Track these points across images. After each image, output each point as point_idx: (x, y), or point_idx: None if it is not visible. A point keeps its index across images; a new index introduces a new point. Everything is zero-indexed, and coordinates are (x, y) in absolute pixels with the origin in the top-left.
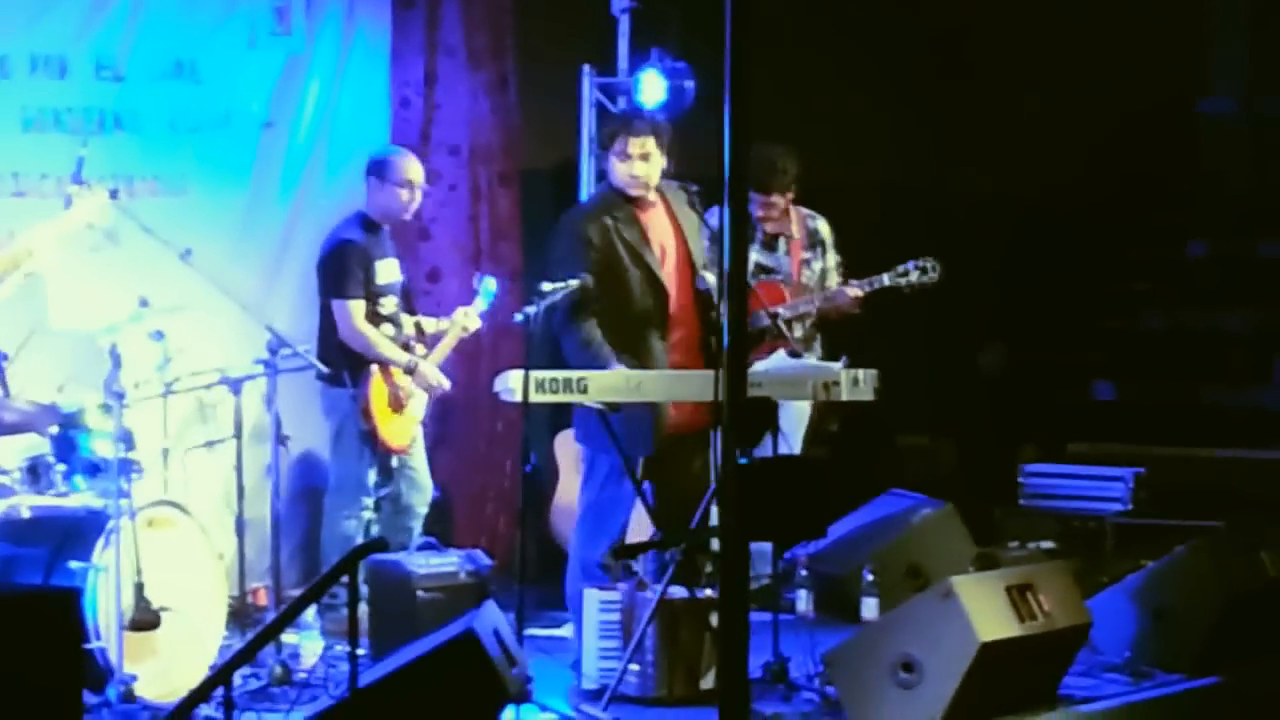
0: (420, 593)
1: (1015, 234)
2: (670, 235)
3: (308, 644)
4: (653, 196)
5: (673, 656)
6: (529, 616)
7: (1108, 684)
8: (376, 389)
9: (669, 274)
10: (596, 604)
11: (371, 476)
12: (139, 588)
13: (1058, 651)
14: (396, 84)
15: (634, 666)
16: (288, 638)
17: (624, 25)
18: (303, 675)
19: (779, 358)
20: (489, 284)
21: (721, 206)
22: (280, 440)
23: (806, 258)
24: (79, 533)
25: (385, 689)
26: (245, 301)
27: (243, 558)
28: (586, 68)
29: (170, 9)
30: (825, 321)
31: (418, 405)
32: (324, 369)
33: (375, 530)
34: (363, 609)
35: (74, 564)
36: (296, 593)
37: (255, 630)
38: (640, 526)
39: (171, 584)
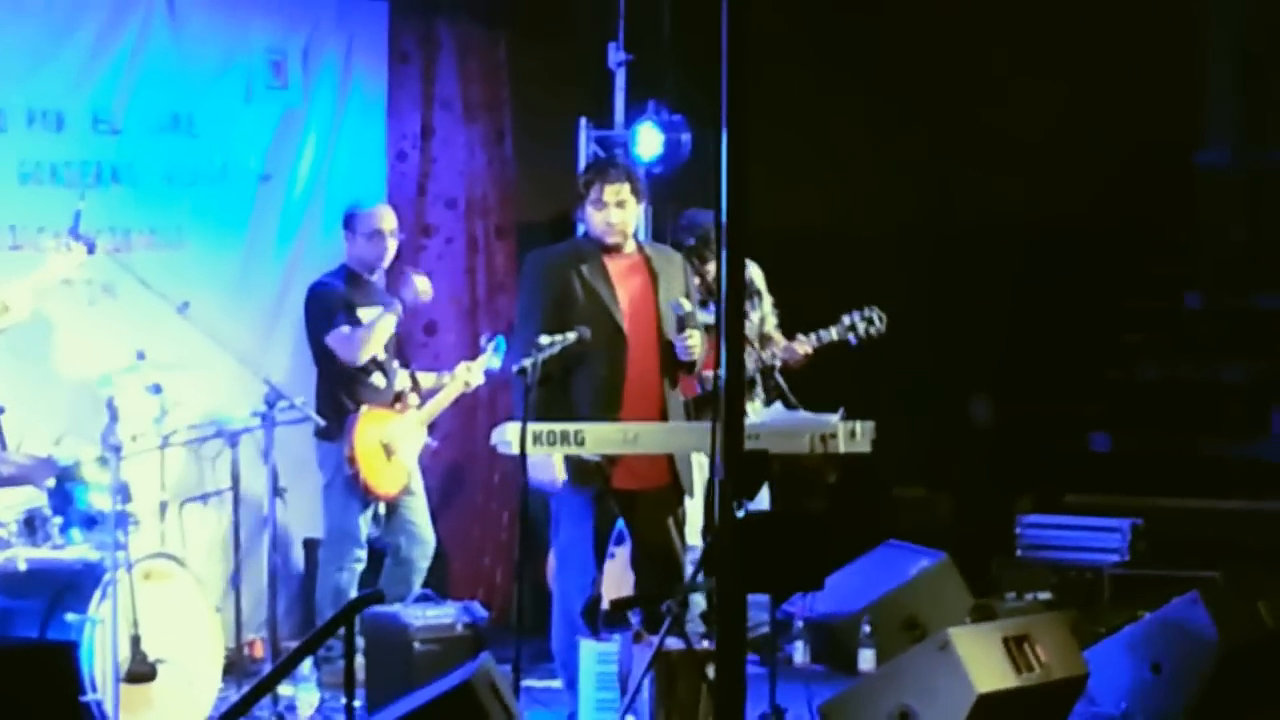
0: (417, 644)
1: (1012, 285)
2: (640, 289)
3: (304, 696)
4: (630, 248)
5: (669, 708)
6: (525, 668)
7: None
8: (361, 434)
9: (632, 325)
10: (593, 656)
11: (363, 527)
12: (135, 640)
13: (1055, 703)
14: (393, 137)
15: (630, 719)
16: (284, 690)
17: (620, 78)
18: None
19: (775, 409)
20: (500, 344)
21: (717, 260)
22: (277, 492)
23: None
24: (75, 585)
25: None
26: (242, 354)
27: (239, 610)
28: (583, 120)
29: (167, 62)
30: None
31: (409, 453)
32: (321, 422)
33: (371, 581)
34: (359, 661)
35: (70, 616)
36: (293, 645)
37: (251, 682)
38: (615, 574)
39: (168, 636)
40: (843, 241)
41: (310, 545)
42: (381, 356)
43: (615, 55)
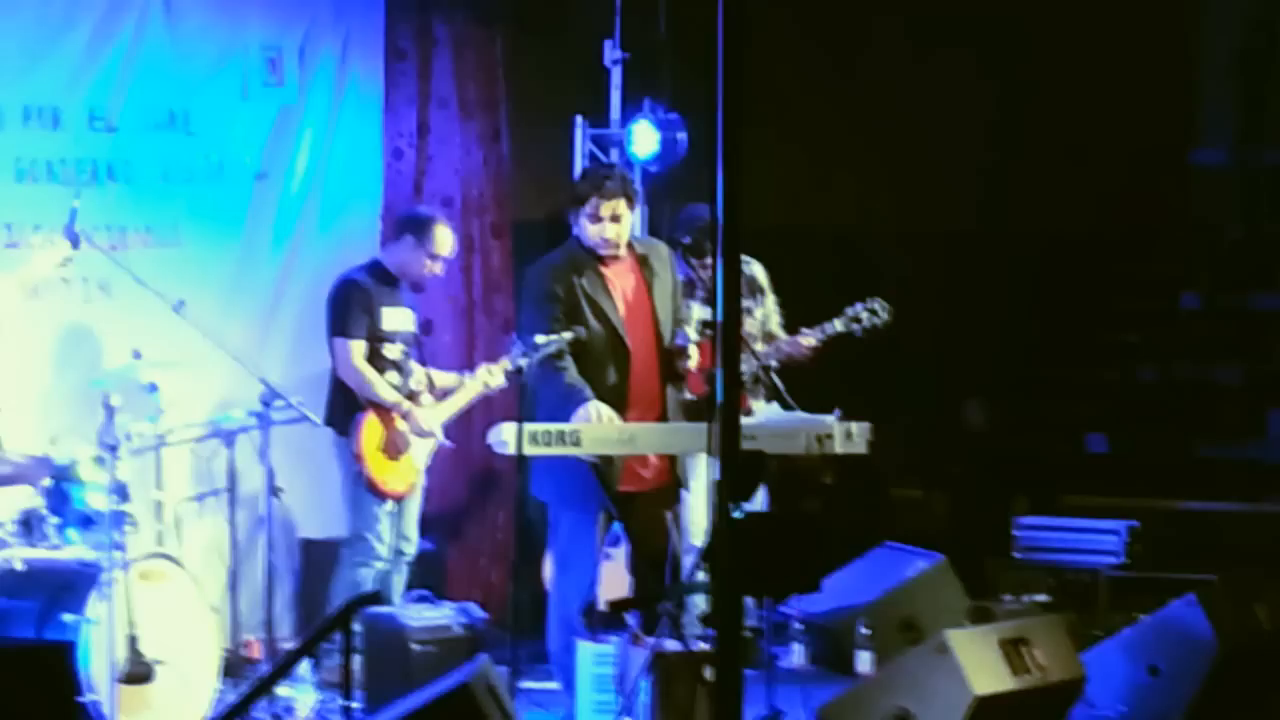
0: (414, 646)
1: (1008, 285)
2: (635, 292)
3: (301, 697)
4: (622, 252)
5: (666, 710)
6: (523, 670)
7: None
8: (368, 432)
9: (631, 329)
10: (591, 657)
11: (383, 520)
12: (132, 640)
13: (1052, 705)
14: (389, 135)
15: None
16: (282, 691)
17: (616, 76)
18: None
19: (772, 410)
20: (520, 348)
21: (713, 258)
22: (273, 492)
23: (747, 306)
24: (72, 585)
25: None
26: (238, 353)
27: (236, 610)
28: (579, 119)
29: (163, 60)
30: (785, 372)
31: (419, 454)
32: (317, 420)
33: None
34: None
35: (67, 616)
36: (290, 645)
37: (249, 683)
38: (612, 576)
39: (165, 637)
40: (839, 243)
41: (308, 546)
42: (397, 355)
43: (611, 53)
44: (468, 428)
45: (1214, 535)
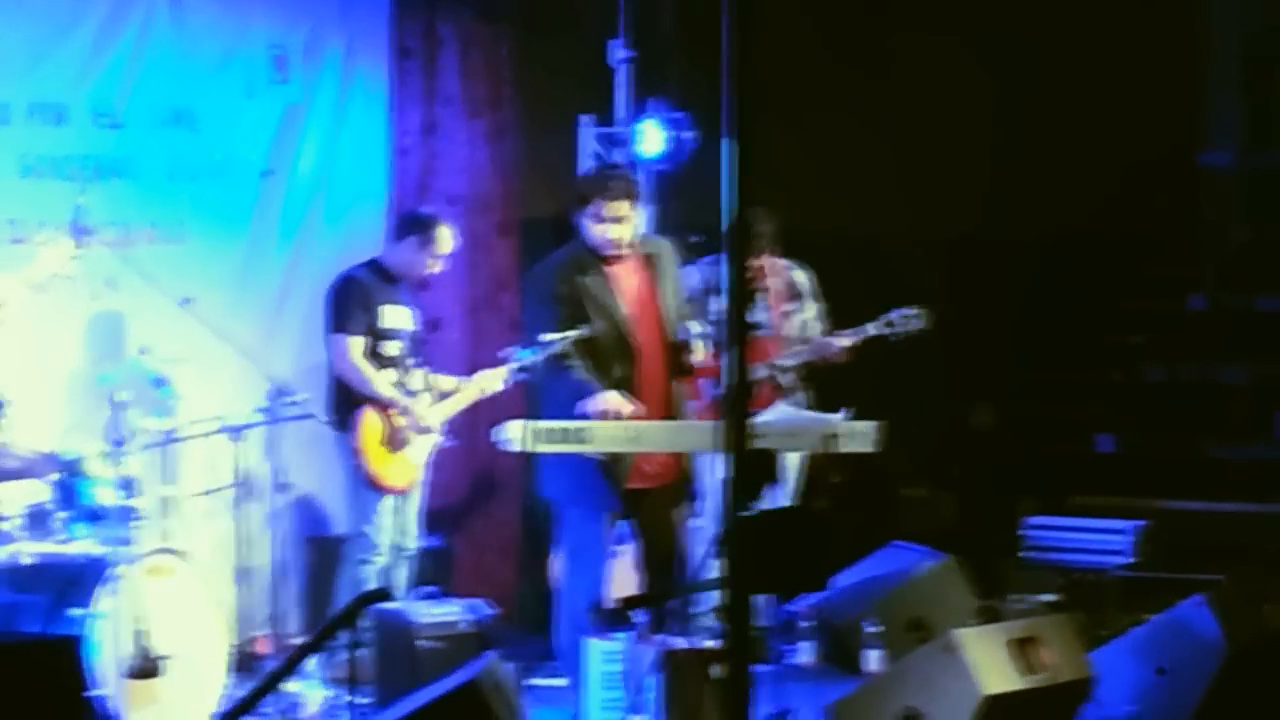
0: (422, 642)
1: (1016, 285)
2: (641, 290)
3: (310, 693)
4: (627, 252)
5: (675, 708)
6: (531, 666)
7: None
8: (368, 427)
9: (637, 328)
10: (599, 654)
11: (385, 516)
12: (140, 635)
13: (1061, 705)
14: (395, 133)
15: (636, 718)
16: (290, 686)
17: (623, 75)
18: None
19: (781, 409)
20: (520, 354)
21: (720, 258)
22: (281, 488)
23: (788, 309)
24: (80, 580)
25: None
26: (245, 350)
27: (244, 605)
28: (585, 118)
29: (169, 57)
30: (814, 372)
31: (419, 450)
32: (323, 418)
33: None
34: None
35: (75, 611)
36: (298, 641)
37: (256, 679)
38: (620, 573)
39: (172, 632)
40: (848, 246)
41: (314, 543)
42: (395, 352)
43: (617, 52)
44: (475, 425)
45: (1222, 535)
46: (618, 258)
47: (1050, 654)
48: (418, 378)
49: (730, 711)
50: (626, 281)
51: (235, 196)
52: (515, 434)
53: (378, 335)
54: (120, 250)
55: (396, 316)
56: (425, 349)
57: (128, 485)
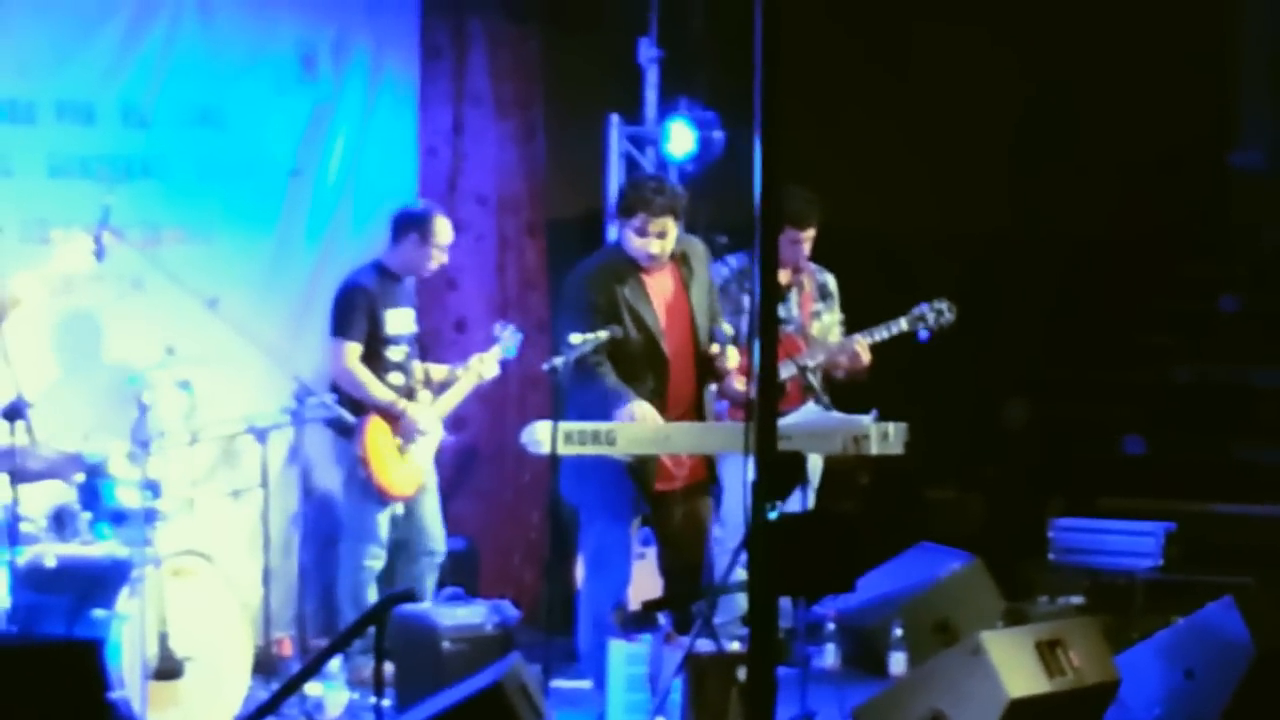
0: (446, 644)
1: (1046, 286)
2: (674, 297)
3: (333, 695)
4: (663, 262)
5: (699, 711)
6: (555, 669)
7: None
8: (373, 435)
9: (669, 336)
10: (623, 657)
11: (382, 525)
12: (163, 637)
13: (1087, 708)
14: (424, 133)
15: None
16: (312, 689)
17: (652, 75)
18: None
19: (809, 410)
20: (510, 333)
21: (750, 254)
22: (306, 489)
23: (817, 309)
24: (103, 581)
25: None
26: (272, 350)
27: (268, 607)
28: (614, 117)
29: (197, 56)
30: (831, 377)
31: (422, 453)
32: (351, 419)
33: (387, 581)
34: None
35: (98, 613)
36: (321, 643)
37: (280, 681)
38: (642, 576)
39: (196, 633)
40: (877, 244)
41: (338, 544)
42: (400, 357)
43: (647, 51)
44: (501, 425)
45: (1251, 538)
46: (654, 268)
47: (1077, 656)
48: (416, 370)
49: (754, 714)
50: (660, 289)
51: (263, 196)
52: (542, 436)
53: (383, 340)
54: (147, 250)
55: (399, 320)
56: (443, 349)
57: (152, 487)
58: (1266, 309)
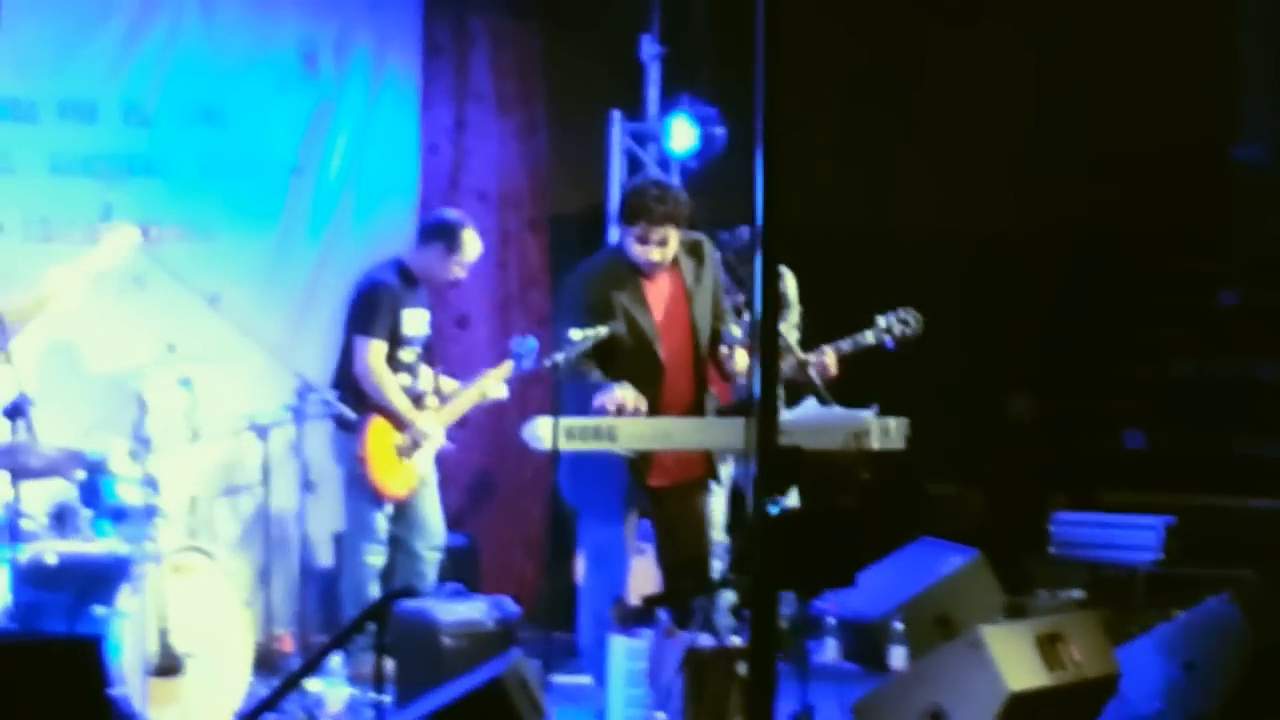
0: (447, 640)
1: (1046, 281)
2: (673, 301)
3: (333, 691)
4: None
5: (699, 705)
6: (555, 664)
7: None
8: (374, 435)
9: (666, 341)
10: (623, 652)
11: (380, 522)
12: (164, 633)
13: (1087, 702)
14: (426, 130)
15: (660, 715)
16: (312, 685)
17: (654, 71)
18: None
19: (809, 406)
20: (527, 348)
21: (754, 254)
22: (307, 486)
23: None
24: (104, 578)
25: None
26: (273, 347)
27: (268, 604)
28: (616, 113)
29: (199, 54)
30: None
31: (423, 458)
32: (353, 416)
33: (387, 577)
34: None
35: (98, 610)
36: (322, 640)
37: (280, 677)
38: (641, 572)
39: (196, 630)
40: (878, 239)
41: (340, 541)
42: (411, 359)
43: (649, 47)
44: (501, 421)
45: (1251, 532)
46: (654, 272)
47: (1077, 650)
48: (426, 377)
49: (754, 709)
50: (659, 294)
51: (264, 194)
52: (543, 432)
53: (398, 341)
54: (149, 248)
55: (415, 321)
56: (445, 345)
57: (152, 484)
58: (1268, 303)
